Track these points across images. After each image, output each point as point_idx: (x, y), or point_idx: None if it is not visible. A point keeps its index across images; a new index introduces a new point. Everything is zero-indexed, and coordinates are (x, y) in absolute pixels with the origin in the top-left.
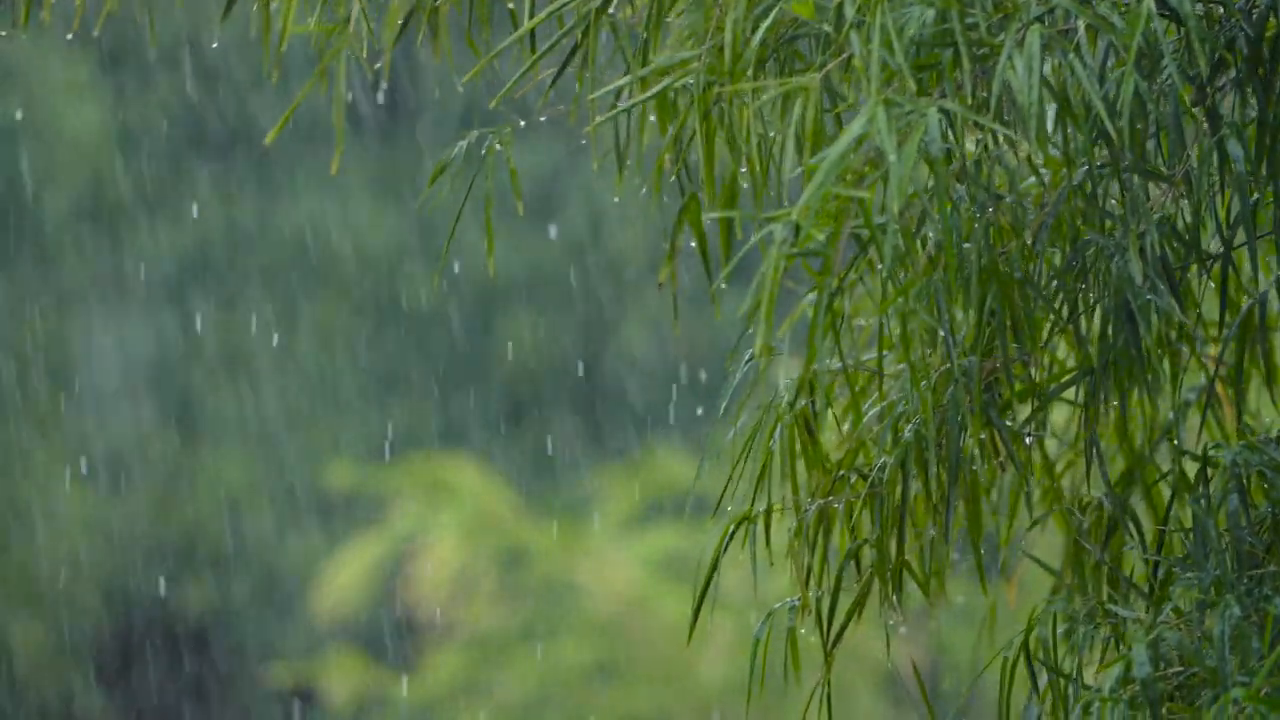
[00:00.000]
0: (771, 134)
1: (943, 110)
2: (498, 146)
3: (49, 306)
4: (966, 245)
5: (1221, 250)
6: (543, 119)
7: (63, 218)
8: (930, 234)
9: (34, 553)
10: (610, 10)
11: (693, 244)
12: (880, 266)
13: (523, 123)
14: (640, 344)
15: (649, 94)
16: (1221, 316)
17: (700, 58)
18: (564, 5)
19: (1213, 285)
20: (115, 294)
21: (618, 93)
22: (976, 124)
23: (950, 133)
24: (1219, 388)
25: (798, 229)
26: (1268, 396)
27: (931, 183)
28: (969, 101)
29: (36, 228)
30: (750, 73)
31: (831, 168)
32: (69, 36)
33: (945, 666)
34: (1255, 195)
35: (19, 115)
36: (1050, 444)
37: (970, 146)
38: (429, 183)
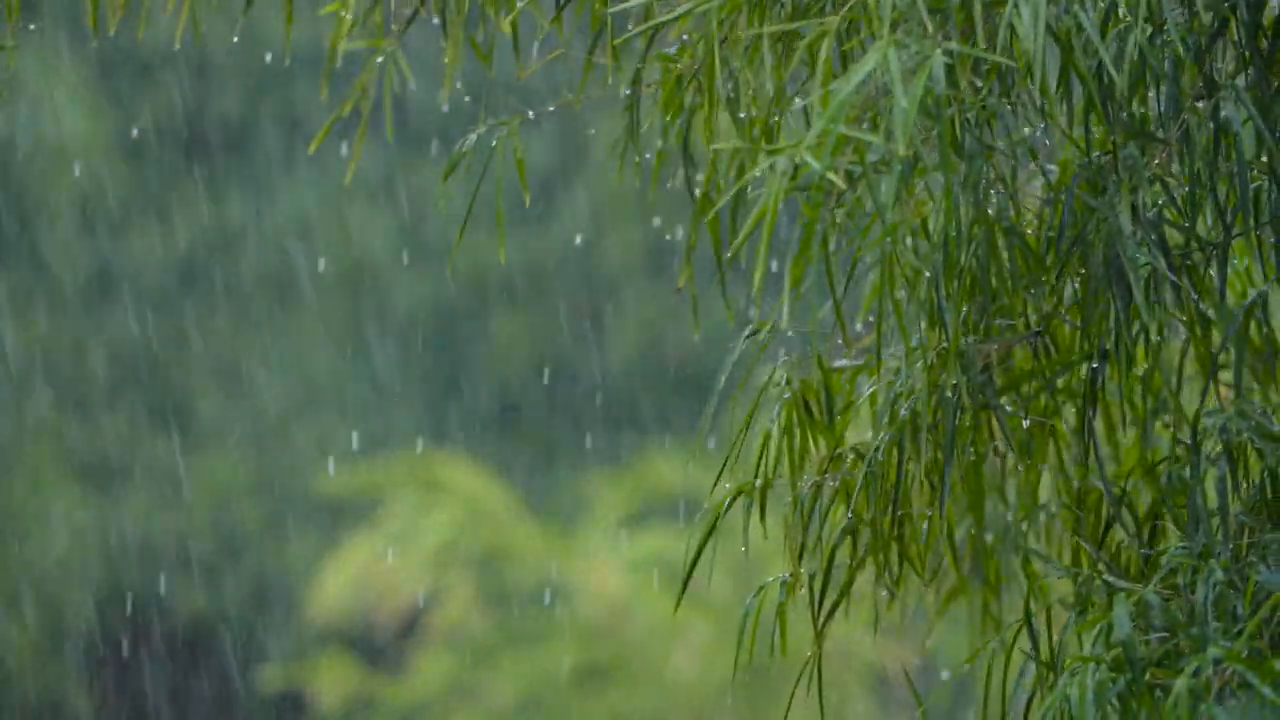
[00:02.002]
0: (768, 84)
1: (947, 53)
2: (506, 136)
3: (44, 308)
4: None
5: (1221, 238)
6: (550, 109)
7: (57, 220)
8: (922, 177)
9: (27, 554)
10: None
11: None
12: (885, 213)
13: (531, 114)
14: (634, 345)
15: (672, 14)
16: (1221, 297)
17: None
18: None
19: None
20: (109, 295)
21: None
22: (975, 71)
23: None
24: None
25: (797, 163)
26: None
27: (928, 131)
28: (977, 46)
29: (31, 230)
30: (757, 12)
31: (841, 105)
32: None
33: (936, 669)
34: (1257, 183)
35: (15, 118)
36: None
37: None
38: (443, 177)
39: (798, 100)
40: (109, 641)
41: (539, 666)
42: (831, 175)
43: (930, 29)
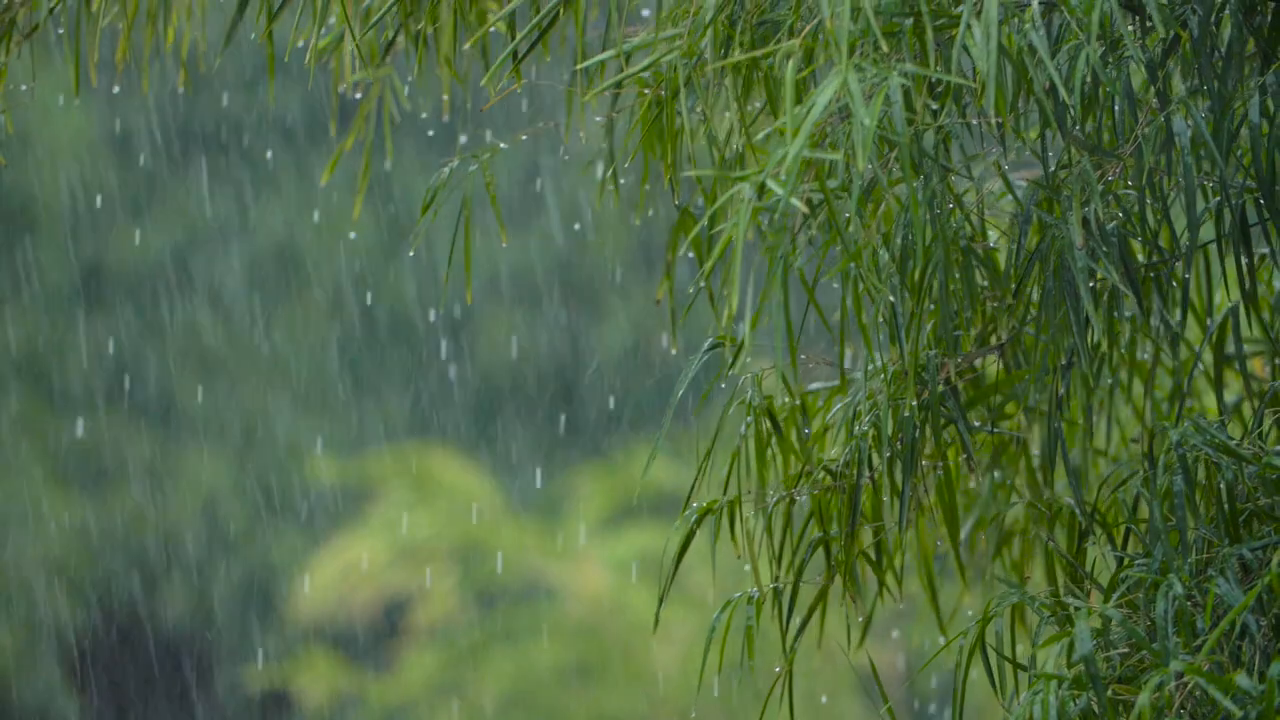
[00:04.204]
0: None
1: (904, 75)
2: (476, 168)
3: (28, 306)
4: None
5: (1184, 250)
6: (523, 137)
7: (42, 217)
8: (881, 201)
9: (11, 554)
10: None
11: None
12: (850, 225)
13: (503, 145)
14: (621, 344)
15: (635, 69)
16: (1184, 315)
17: (679, 39)
18: None
19: (1175, 285)
20: (95, 293)
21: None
22: (931, 92)
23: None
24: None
25: (762, 188)
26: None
27: (887, 154)
28: (931, 68)
29: (15, 227)
30: (722, 51)
31: (809, 128)
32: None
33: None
34: (1218, 198)
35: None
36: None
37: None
38: (421, 210)
39: (760, 133)
40: (95, 641)
41: (524, 664)
42: (795, 201)
43: (886, 49)
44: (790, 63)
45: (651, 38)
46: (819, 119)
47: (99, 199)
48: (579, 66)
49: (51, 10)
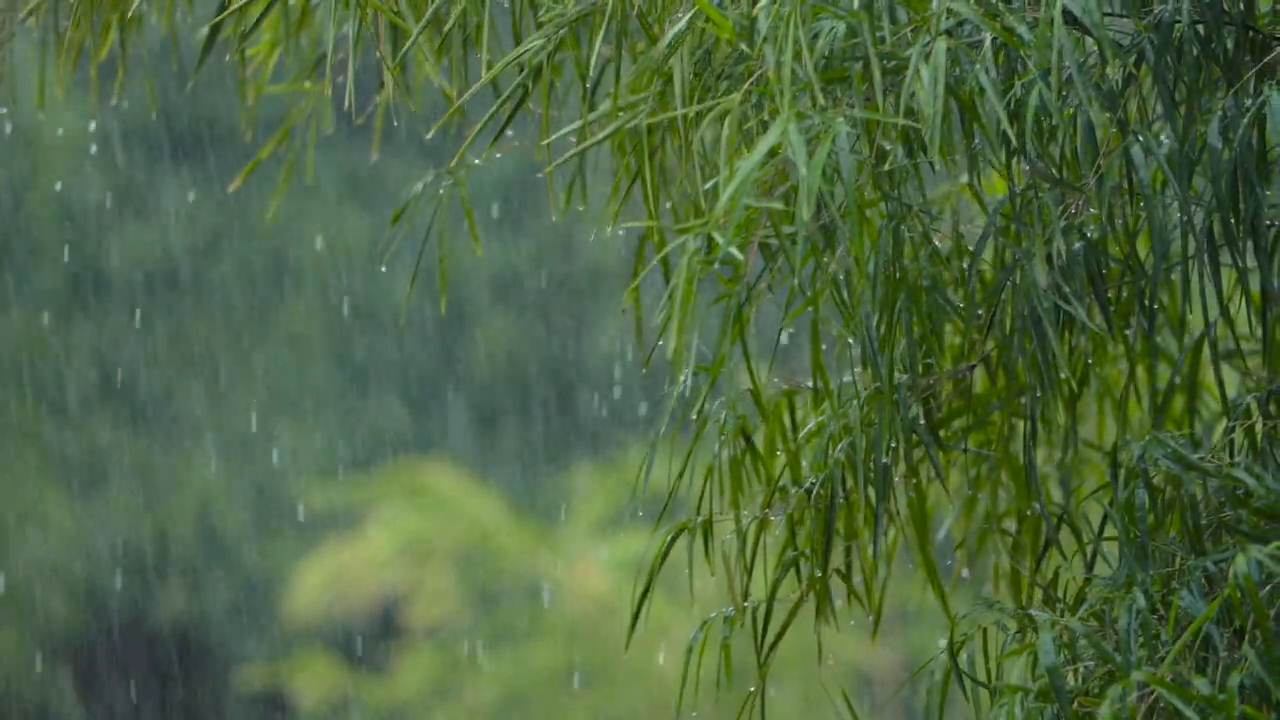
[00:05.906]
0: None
1: (852, 121)
2: (452, 186)
3: (22, 310)
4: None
5: (1153, 272)
6: (498, 155)
7: (36, 221)
8: (841, 244)
9: (9, 555)
10: (559, 56)
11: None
12: (795, 279)
13: (477, 160)
14: (616, 346)
15: (599, 137)
16: (1150, 332)
17: (647, 100)
18: (522, 55)
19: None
20: (92, 297)
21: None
22: (884, 134)
23: (860, 143)
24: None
25: (710, 240)
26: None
27: (842, 195)
28: (878, 112)
29: (7, 232)
30: (687, 105)
31: (743, 180)
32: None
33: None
34: (1184, 216)
35: None
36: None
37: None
38: (391, 222)
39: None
40: (93, 642)
41: (521, 666)
42: (736, 251)
43: (820, 101)
44: (727, 120)
45: (613, 106)
46: (760, 170)
47: (95, 201)
48: (544, 141)
49: (24, 20)
